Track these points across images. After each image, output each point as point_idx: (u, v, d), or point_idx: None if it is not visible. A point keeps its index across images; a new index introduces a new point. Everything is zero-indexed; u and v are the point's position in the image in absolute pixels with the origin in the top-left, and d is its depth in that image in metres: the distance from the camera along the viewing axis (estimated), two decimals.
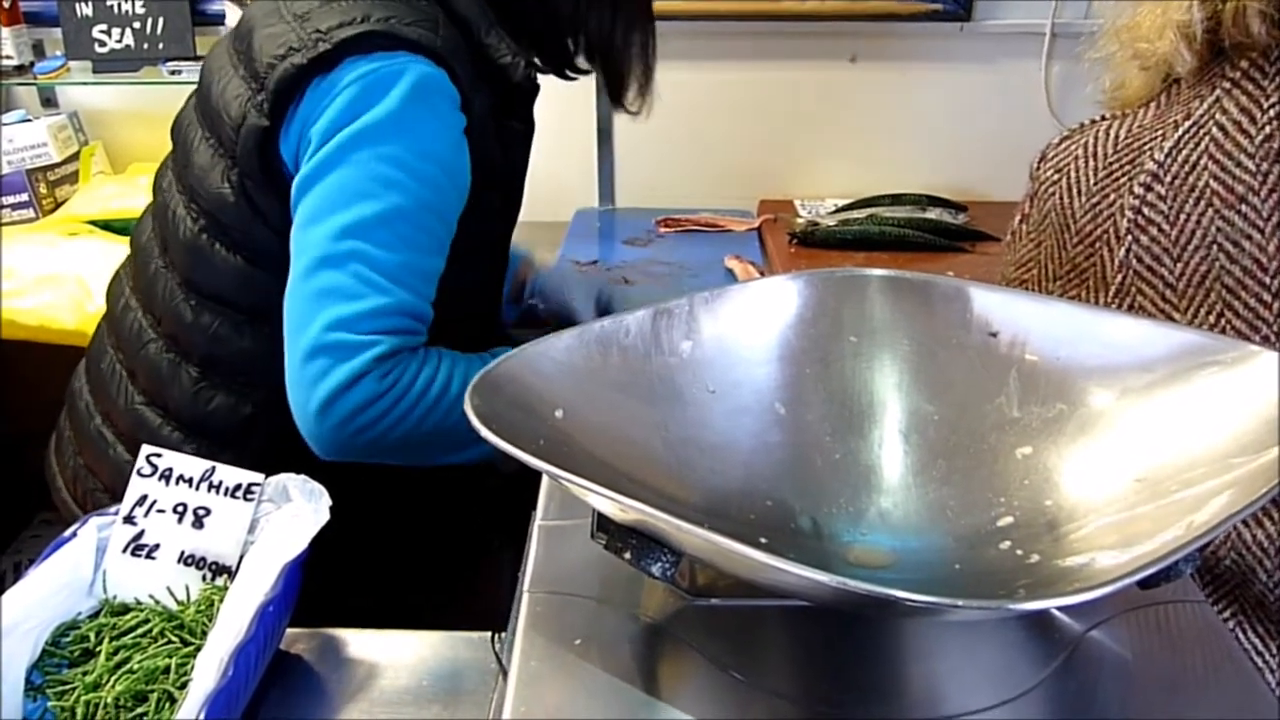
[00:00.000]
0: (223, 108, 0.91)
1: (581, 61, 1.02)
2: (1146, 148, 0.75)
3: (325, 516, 0.76)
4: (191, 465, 0.79)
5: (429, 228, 0.88)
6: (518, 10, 0.95)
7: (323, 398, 0.82)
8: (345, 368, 0.82)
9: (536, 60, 0.99)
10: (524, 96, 0.99)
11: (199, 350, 0.95)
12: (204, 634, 0.72)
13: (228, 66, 0.93)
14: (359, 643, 0.79)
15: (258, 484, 0.79)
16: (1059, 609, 0.58)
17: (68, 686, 0.69)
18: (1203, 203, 0.70)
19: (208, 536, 0.78)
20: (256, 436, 0.96)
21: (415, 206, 0.85)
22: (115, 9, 1.81)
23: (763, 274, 1.60)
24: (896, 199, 1.86)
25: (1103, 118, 0.83)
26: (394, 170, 0.84)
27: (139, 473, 0.79)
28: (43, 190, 1.83)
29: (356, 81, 0.84)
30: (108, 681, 0.69)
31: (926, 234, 1.73)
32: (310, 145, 0.86)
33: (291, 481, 0.80)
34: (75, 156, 1.91)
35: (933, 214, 1.81)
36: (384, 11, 0.87)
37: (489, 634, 0.76)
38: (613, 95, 1.05)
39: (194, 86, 1.04)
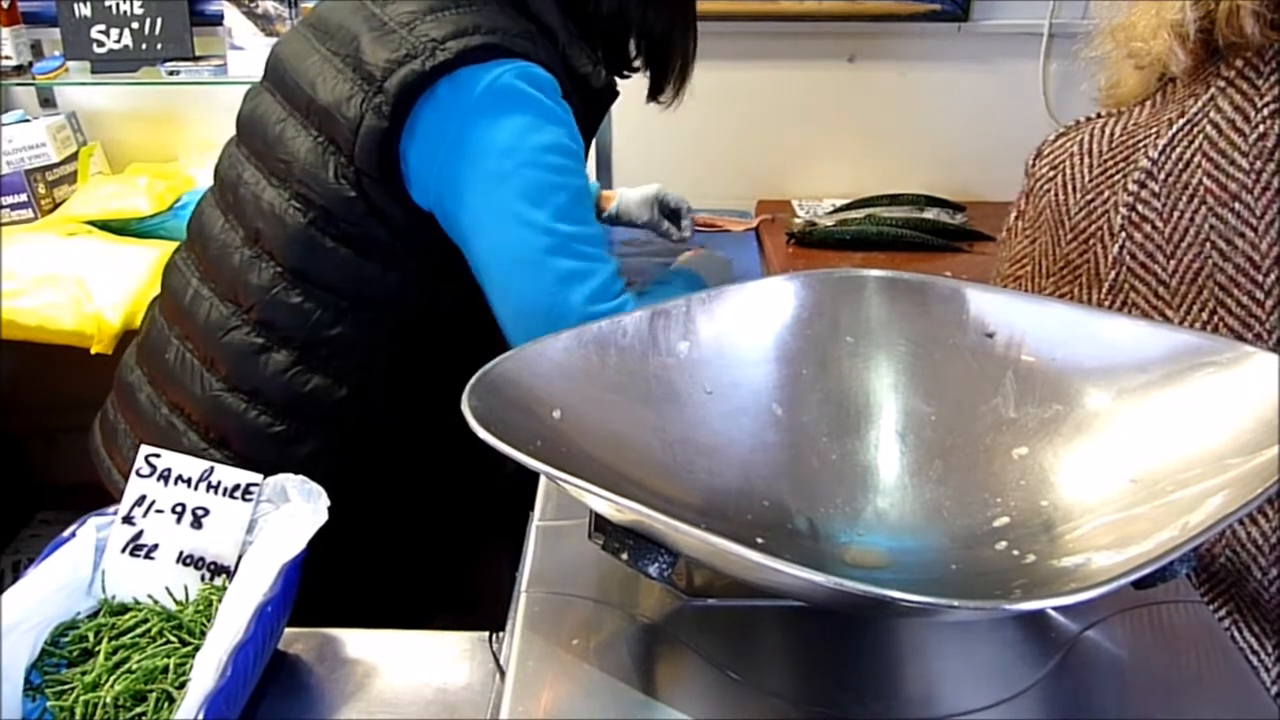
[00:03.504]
0: (335, 109, 0.94)
1: (637, 62, 1.10)
2: (1141, 145, 0.75)
3: (323, 517, 0.76)
4: (190, 465, 0.79)
5: (592, 201, 0.99)
6: (593, 14, 1.02)
7: None
8: None
9: (601, 62, 1.05)
10: (603, 104, 1.07)
11: (299, 335, 0.99)
12: (202, 634, 0.72)
13: (328, 69, 0.97)
14: (357, 643, 0.79)
15: (256, 484, 0.79)
16: (1055, 609, 0.58)
17: (66, 686, 0.69)
18: (1196, 200, 0.71)
19: (206, 537, 0.78)
20: (347, 419, 1.01)
21: (585, 184, 0.96)
22: (114, 9, 1.81)
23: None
24: (894, 199, 1.86)
25: (1098, 115, 0.83)
26: (562, 157, 0.93)
27: (138, 473, 0.79)
28: (41, 190, 1.83)
29: (489, 86, 0.90)
30: (106, 681, 0.69)
31: (924, 234, 1.73)
32: (459, 150, 0.91)
33: (290, 482, 0.80)
34: (74, 157, 1.91)
35: (930, 214, 1.81)
36: (491, 23, 0.93)
37: (487, 634, 0.76)
38: (653, 90, 1.13)
39: (251, 86, 1.10)
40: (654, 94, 1.13)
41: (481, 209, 0.92)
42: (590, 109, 1.04)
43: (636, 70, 1.11)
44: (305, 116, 0.99)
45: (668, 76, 1.11)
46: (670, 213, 1.61)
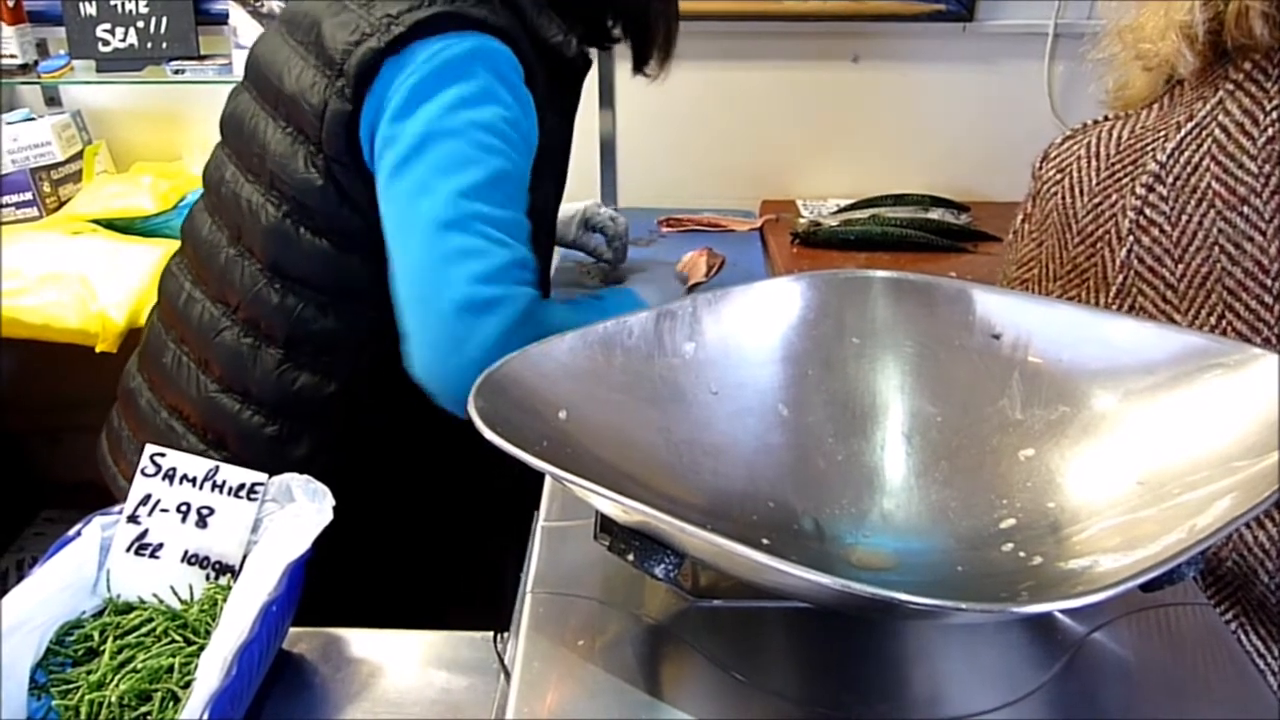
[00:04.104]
0: (300, 96, 0.94)
1: (616, 33, 1.09)
2: (1149, 149, 0.75)
3: (328, 516, 0.77)
4: (195, 465, 0.80)
5: (522, 189, 0.93)
6: None
7: (486, 347, 0.84)
8: (501, 317, 0.85)
9: (578, 35, 1.03)
10: (576, 74, 1.05)
11: (283, 332, 0.98)
12: (207, 633, 0.72)
13: (294, 58, 0.96)
14: (361, 642, 0.79)
15: (261, 484, 0.79)
16: (1061, 611, 0.58)
17: (72, 685, 0.70)
18: (1205, 204, 0.70)
19: (211, 536, 0.78)
20: (339, 414, 1.00)
21: (513, 169, 0.91)
22: (119, 8, 1.82)
23: (711, 265, 1.59)
24: (899, 199, 1.86)
25: (1105, 118, 0.83)
26: (492, 137, 0.89)
27: (143, 472, 0.79)
28: (46, 189, 1.83)
29: (431, 58, 0.88)
30: (112, 680, 0.69)
31: (929, 234, 1.72)
32: (392, 122, 0.89)
33: (295, 481, 0.80)
34: (79, 155, 1.91)
35: (935, 214, 1.81)
36: None
37: (491, 634, 0.76)
38: (638, 63, 1.11)
39: (234, 86, 1.09)
40: (638, 67, 1.12)
41: (395, 172, 0.89)
42: (563, 79, 1.02)
43: (617, 41, 1.10)
44: (275, 109, 0.98)
45: (650, 48, 1.10)
46: (598, 231, 1.57)
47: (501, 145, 0.89)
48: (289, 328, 0.98)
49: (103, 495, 1.12)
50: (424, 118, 0.88)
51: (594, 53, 1.08)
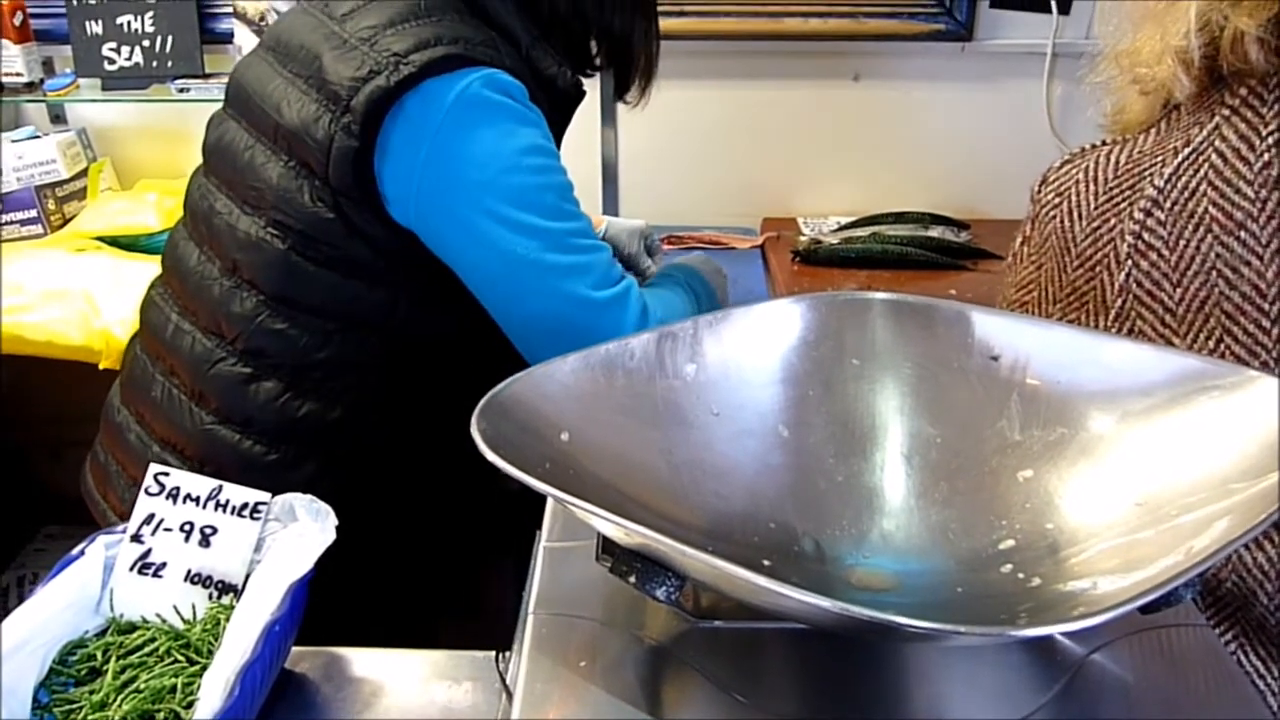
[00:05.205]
0: (303, 131, 0.93)
1: (599, 60, 1.11)
2: (1147, 173, 0.76)
3: (331, 536, 0.77)
4: (198, 484, 0.80)
5: (574, 193, 0.99)
6: (550, 15, 1.02)
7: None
8: (631, 313, 0.95)
9: (565, 63, 1.05)
10: (570, 104, 1.07)
11: (288, 361, 0.98)
12: (210, 653, 0.72)
13: (292, 90, 0.96)
14: (364, 661, 0.79)
15: (264, 503, 0.80)
16: (1061, 633, 0.58)
17: (74, 705, 0.70)
18: (1202, 229, 0.71)
19: (214, 555, 0.78)
20: (344, 439, 1.00)
21: (566, 179, 0.97)
22: (125, 27, 1.83)
23: None
24: (899, 217, 1.87)
25: (1103, 142, 0.83)
26: (540, 157, 0.94)
27: (146, 491, 0.80)
28: (51, 206, 1.84)
29: (456, 100, 0.90)
30: (114, 700, 0.69)
31: (929, 252, 1.73)
32: (430, 169, 0.90)
33: (298, 501, 0.80)
34: (84, 173, 1.92)
35: (935, 232, 1.82)
36: (453, 33, 0.92)
37: (493, 654, 0.77)
38: (619, 89, 1.14)
39: (214, 113, 1.09)
40: (619, 93, 1.14)
41: (469, 223, 0.91)
42: (557, 110, 1.03)
43: (600, 69, 1.11)
44: (273, 141, 0.97)
45: (631, 75, 1.12)
46: (648, 249, 1.62)
47: (550, 162, 0.94)
48: (294, 358, 0.97)
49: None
50: (475, 160, 0.90)
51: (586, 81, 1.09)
